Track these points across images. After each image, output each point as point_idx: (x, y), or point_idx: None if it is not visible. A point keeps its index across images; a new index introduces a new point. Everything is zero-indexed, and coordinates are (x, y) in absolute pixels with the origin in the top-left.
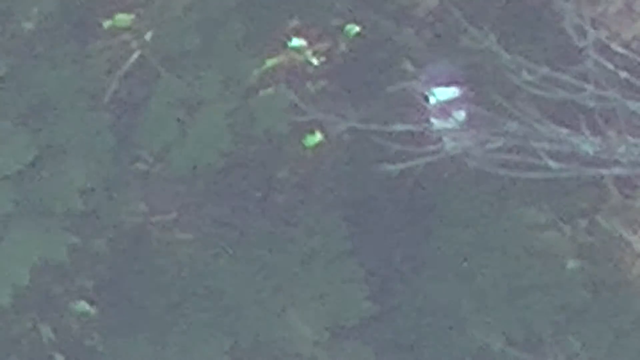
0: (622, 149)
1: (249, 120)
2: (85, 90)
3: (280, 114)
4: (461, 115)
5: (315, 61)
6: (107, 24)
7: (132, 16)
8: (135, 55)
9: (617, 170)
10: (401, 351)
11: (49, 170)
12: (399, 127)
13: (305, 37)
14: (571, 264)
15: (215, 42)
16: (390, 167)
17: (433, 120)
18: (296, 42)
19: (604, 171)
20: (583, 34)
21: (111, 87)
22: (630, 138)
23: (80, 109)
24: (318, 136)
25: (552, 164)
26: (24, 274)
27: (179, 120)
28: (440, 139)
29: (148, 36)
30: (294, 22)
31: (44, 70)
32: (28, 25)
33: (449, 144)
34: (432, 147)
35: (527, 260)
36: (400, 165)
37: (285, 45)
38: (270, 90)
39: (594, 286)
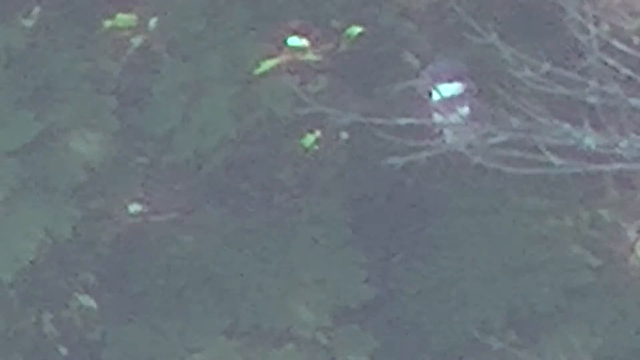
0: (624, 144)
1: (252, 103)
2: (90, 75)
3: (282, 96)
4: (464, 110)
5: (316, 59)
6: (107, 24)
7: (134, 16)
8: (140, 40)
9: (619, 166)
10: (402, 334)
11: (54, 146)
12: (401, 121)
13: (307, 37)
14: (574, 249)
15: (219, 26)
16: (394, 161)
17: (436, 115)
18: (297, 41)
19: (606, 167)
20: (585, 30)
21: (116, 72)
22: (632, 134)
23: (85, 93)
24: (317, 134)
25: (554, 159)
26: (29, 249)
27: (182, 103)
28: (442, 133)
29: (152, 21)
30: (296, 22)
31: (49, 55)
32: (28, 23)
33: (451, 139)
34: (434, 142)
35: (530, 245)
36: (403, 159)
37: (285, 44)
38: (275, 73)
39: (595, 268)
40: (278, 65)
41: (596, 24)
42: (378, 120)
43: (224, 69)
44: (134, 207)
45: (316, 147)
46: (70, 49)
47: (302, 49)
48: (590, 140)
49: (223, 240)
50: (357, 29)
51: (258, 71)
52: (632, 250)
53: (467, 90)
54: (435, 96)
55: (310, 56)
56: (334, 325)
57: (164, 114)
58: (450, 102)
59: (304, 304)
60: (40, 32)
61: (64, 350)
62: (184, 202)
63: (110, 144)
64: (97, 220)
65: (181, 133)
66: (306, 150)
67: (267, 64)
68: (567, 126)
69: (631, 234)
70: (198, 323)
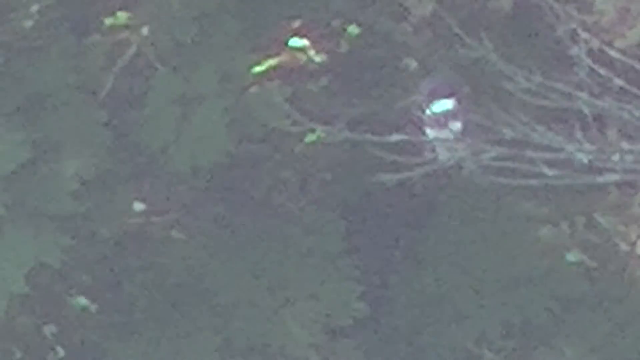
0: (615, 157)
1: (246, 115)
2: (82, 86)
3: (277, 109)
4: (457, 126)
5: (318, 59)
6: (108, 21)
7: (132, 14)
8: (132, 51)
9: (611, 177)
10: (396, 350)
11: (42, 172)
12: (393, 138)
13: (307, 36)
14: (570, 256)
15: (212, 37)
16: (385, 178)
17: (428, 130)
18: (297, 41)
19: (599, 178)
20: (576, 42)
21: (108, 82)
22: (624, 144)
23: (76, 105)
24: (319, 131)
25: (547, 171)
26: (20, 280)
27: (176, 116)
28: (434, 149)
29: (145, 31)
30: (295, 22)
31: (40, 66)
32: (28, 23)
33: (443, 154)
34: (427, 157)
35: (525, 253)
36: (396, 176)
37: (286, 45)
38: (268, 85)
39: (592, 279)
40: (279, 65)
41: (588, 36)
42: (369, 138)
43: (217, 80)
44: (133, 208)
45: (319, 144)
46: (62, 59)
47: (302, 49)
48: (582, 155)
49: (217, 252)
50: (356, 28)
51: (258, 71)
52: (632, 250)
53: (460, 105)
54: (429, 112)
55: (311, 56)
56: (326, 342)
57: (158, 125)
58: (443, 118)
59: (297, 321)
60: (34, 37)
61: (62, 352)
62: (182, 201)
63: (103, 158)
64: (94, 222)
65: (175, 145)
66: (308, 146)
67: (268, 64)
68: (559, 139)
69: (628, 238)
70: (189, 336)
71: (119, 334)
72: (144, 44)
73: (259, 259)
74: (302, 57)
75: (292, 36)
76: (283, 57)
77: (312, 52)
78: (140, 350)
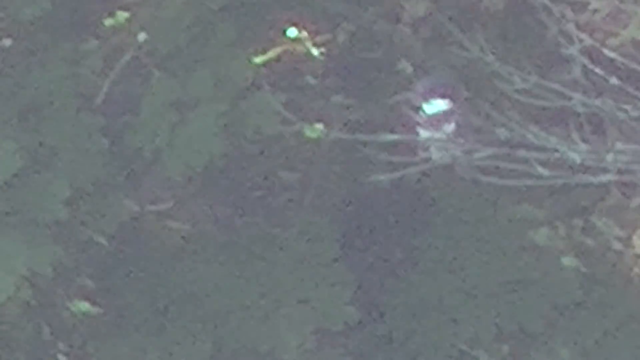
0: (610, 157)
1: (241, 121)
2: (78, 91)
3: (271, 115)
4: (450, 127)
5: (315, 52)
6: (108, 22)
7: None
8: (128, 56)
9: (605, 178)
10: (387, 353)
11: (35, 180)
12: (387, 137)
13: (305, 28)
14: (566, 260)
15: (207, 42)
16: (379, 178)
17: (421, 131)
18: (295, 32)
19: (594, 179)
20: (571, 41)
21: (104, 87)
22: (618, 144)
23: (72, 111)
24: (318, 127)
25: (542, 171)
26: (9, 286)
27: (171, 121)
28: (428, 149)
29: (141, 37)
30: (293, 14)
31: (36, 72)
32: (27, 14)
33: (436, 154)
34: (421, 156)
35: (521, 256)
36: (389, 176)
37: (284, 35)
38: (262, 90)
39: (587, 282)
40: (277, 56)
41: (581, 35)
42: (363, 138)
43: (212, 86)
44: (132, 210)
45: (315, 145)
46: (59, 65)
47: (300, 40)
48: (576, 155)
49: (211, 256)
50: (353, 26)
51: (258, 61)
52: (628, 252)
53: (454, 106)
54: (423, 112)
55: (308, 47)
56: (317, 347)
57: (153, 130)
58: (437, 119)
59: (288, 325)
60: (31, 40)
61: (63, 358)
62: (180, 200)
63: (98, 162)
64: (89, 228)
65: (170, 150)
66: (304, 147)
67: (267, 55)
68: (553, 139)
69: (625, 240)
70: (181, 341)
71: (110, 339)
72: (140, 49)
73: (251, 262)
74: (301, 49)
75: (289, 27)
76: (281, 48)
77: (309, 44)
78: (131, 355)
